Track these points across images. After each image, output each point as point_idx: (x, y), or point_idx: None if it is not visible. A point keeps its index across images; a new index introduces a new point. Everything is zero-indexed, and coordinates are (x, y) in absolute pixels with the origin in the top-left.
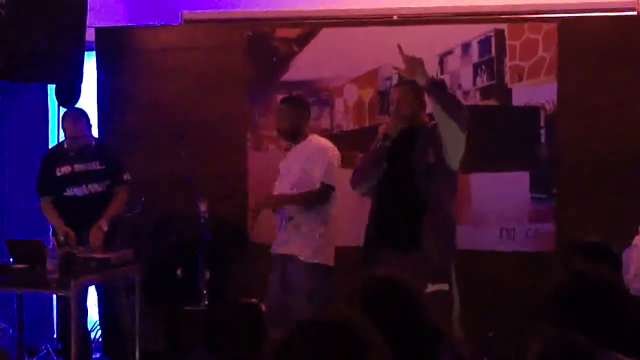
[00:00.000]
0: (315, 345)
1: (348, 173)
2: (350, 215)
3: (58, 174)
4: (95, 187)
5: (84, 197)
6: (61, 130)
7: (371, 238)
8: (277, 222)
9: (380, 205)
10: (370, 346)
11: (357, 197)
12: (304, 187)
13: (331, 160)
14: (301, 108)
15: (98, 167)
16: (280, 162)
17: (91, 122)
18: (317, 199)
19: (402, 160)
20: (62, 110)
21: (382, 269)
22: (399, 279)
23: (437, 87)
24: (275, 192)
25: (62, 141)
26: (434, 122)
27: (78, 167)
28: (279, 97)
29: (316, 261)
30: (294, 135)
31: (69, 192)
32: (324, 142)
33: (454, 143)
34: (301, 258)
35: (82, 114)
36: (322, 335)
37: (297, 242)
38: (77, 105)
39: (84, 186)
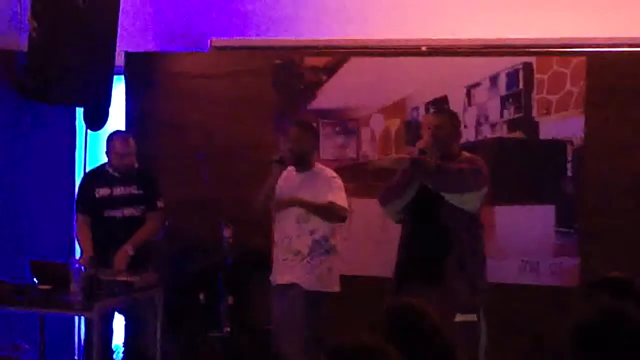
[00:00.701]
0: None
1: (371, 203)
2: (371, 245)
3: (97, 195)
4: (131, 211)
5: (120, 220)
6: (90, 152)
7: (400, 269)
8: (278, 252)
9: (408, 237)
10: None
11: (377, 227)
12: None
13: (342, 187)
14: (313, 134)
15: (136, 191)
16: (282, 187)
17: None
18: (337, 215)
19: (430, 191)
20: (90, 133)
21: (406, 298)
22: (421, 308)
23: (439, 174)
24: (282, 222)
25: (104, 163)
26: (466, 155)
27: (117, 190)
28: None
29: (318, 289)
30: (304, 161)
31: (106, 214)
32: (331, 171)
33: (473, 204)
34: (303, 286)
35: (129, 134)
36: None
37: (298, 271)
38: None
39: (120, 209)
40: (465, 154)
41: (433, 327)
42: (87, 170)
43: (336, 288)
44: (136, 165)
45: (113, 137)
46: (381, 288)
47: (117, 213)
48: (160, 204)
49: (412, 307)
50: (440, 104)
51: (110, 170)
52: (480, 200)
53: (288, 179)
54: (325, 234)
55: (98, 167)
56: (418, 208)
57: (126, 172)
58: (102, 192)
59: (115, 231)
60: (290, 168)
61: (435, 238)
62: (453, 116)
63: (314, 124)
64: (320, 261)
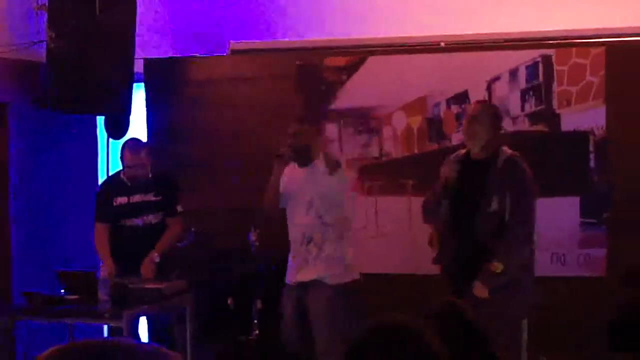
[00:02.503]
0: (390, 350)
1: (395, 201)
2: (397, 242)
3: (115, 204)
4: (150, 219)
5: (141, 228)
6: (113, 161)
7: (447, 267)
8: (294, 250)
9: (446, 241)
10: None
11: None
12: (332, 205)
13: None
14: (312, 128)
15: (153, 198)
16: (287, 184)
17: (150, 153)
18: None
19: (467, 200)
20: (112, 141)
21: (447, 298)
22: (461, 305)
23: None
24: (294, 216)
25: (119, 171)
26: (510, 153)
27: (134, 198)
28: (329, 126)
29: (346, 280)
30: (304, 155)
31: (125, 223)
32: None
33: None
34: (327, 281)
35: (142, 144)
36: (398, 341)
37: (320, 265)
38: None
39: (140, 217)
40: (506, 149)
41: (472, 322)
42: (102, 180)
43: (358, 275)
44: (150, 174)
45: (124, 147)
46: (400, 284)
47: (136, 221)
48: (179, 208)
49: (453, 305)
50: (461, 100)
51: (125, 179)
52: None
53: (292, 175)
54: (332, 218)
55: (113, 176)
56: (455, 216)
57: (139, 182)
58: (120, 200)
59: (137, 240)
60: (293, 164)
61: (468, 248)
62: (494, 107)
63: (315, 120)
64: (334, 249)
